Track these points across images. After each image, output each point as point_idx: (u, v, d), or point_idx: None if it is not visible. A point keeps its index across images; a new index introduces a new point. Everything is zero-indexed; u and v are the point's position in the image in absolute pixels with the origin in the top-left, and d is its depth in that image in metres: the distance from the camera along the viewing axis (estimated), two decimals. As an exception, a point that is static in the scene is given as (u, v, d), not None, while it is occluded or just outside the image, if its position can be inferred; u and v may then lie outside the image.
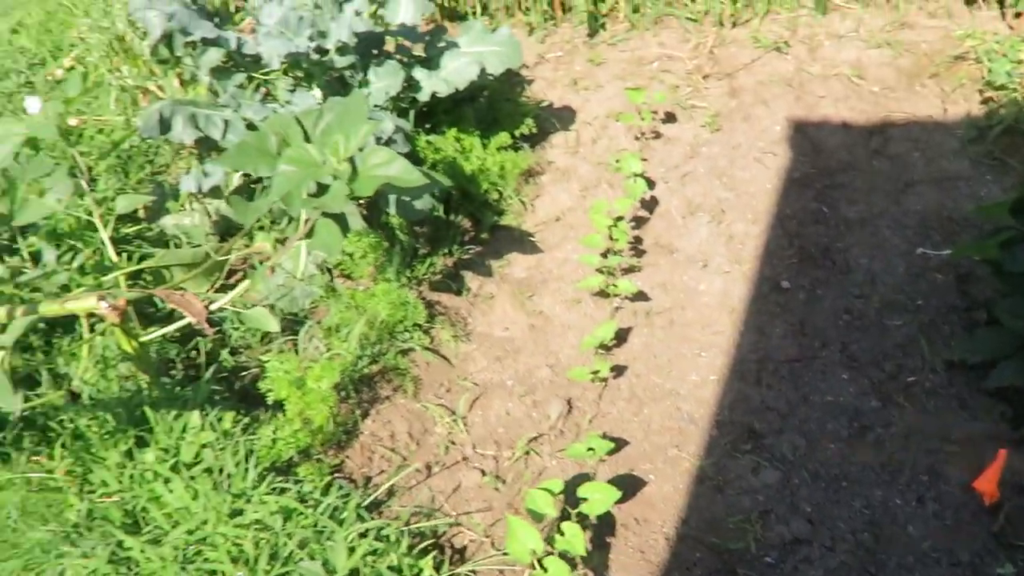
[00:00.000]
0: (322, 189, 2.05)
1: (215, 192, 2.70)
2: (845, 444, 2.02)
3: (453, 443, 2.14)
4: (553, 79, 3.47)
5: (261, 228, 2.56)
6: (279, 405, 2.09)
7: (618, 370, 2.27)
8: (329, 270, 2.61)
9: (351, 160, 2.01)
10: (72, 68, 3.70)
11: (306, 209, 1.98)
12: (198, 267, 2.45)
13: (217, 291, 2.48)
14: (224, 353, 2.34)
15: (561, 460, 2.07)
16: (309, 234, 2.07)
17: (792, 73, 3.21)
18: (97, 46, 3.02)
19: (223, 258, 2.38)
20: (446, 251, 2.64)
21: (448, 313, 2.50)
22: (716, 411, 2.15)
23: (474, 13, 3.78)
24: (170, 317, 2.41)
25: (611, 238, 2.54)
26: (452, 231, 2.70)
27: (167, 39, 2.49)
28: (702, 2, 3.63)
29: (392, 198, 2.34)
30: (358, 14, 2.39)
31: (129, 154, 3.04)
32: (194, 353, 2.35)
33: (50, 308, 2.14)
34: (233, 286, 2.64)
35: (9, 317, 2.16)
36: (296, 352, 2.32)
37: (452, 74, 2.62)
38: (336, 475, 2.01)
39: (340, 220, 2.04)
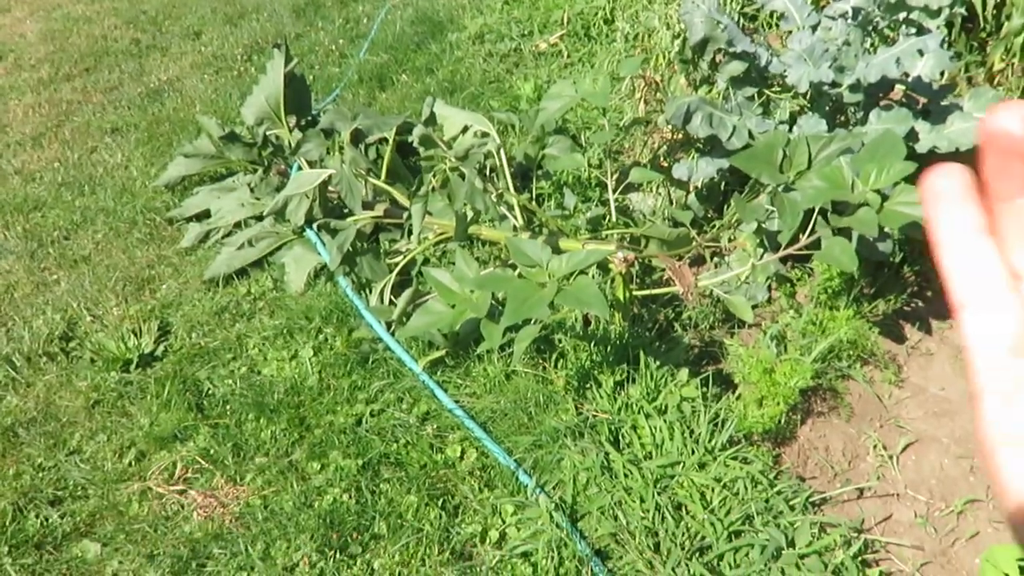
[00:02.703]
0: (838, 210, 2.24)
1: (681, 184, 3.01)
2: None
3: (884, 477, 2.23)
4: (1019, 160, 3.38)
5: (732, 226, 2.80)
6: (728, 384, 2.33)
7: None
8: (769, 280, 2.80)
9: (878, 192, 2.17)
10: (555, 45, 4.23)
11: (833, 224, 2.17)
12: (674, 244, 2.75)
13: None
14: (677, 325, 2.61)
15: (998, 530, 2.09)
16: (812, 246, 2.28)
17: None
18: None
19: (704, 243, 2.66)
20: (891, 298, 2.71)
21: (885, 356, 2.58)
22: None
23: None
24: (641, 280, 2.74)
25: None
26: (900, 280, 2.76)
27: (701, 44, 2.80)
28: None
29: (855, 234, 2.47)
30: (898, 62, 2.52)
31: (593, 128, 3.45)
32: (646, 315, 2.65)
33: (570, 244, 2.54)
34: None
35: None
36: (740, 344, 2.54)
37: (957, 134, 2.67)
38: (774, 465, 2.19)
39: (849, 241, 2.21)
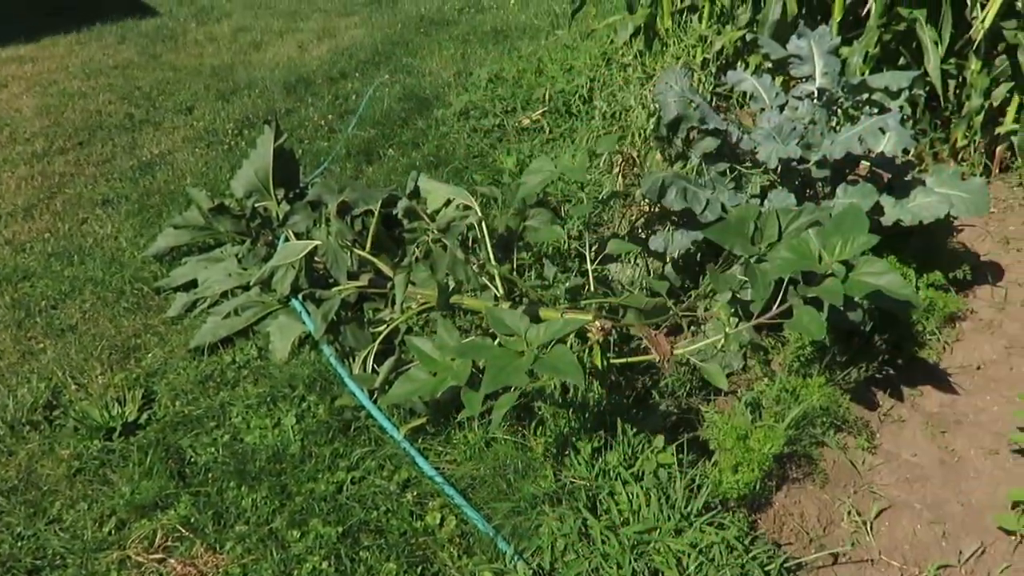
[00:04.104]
0: (807, 280, 2.33)
1: (658, 255, 3.09)
2: None
3: (858, 543, 2.26)
4: (983, 233, 3.50)
5: (707, 296, 2.89)
6: (704, 450, 2.37)
7: (1037, 532, 2.26)
8: (744, 348, 2.86)
9: (844, 263, 2.27)
10: (537, 121, 4.39)
11: (801, 294, 2.25)
12: (651, 314, 2.82)
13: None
14: (654, 393, 2.66)
15: (971, 596, 2.11)
16: (784, 315, 2.35)
17: None
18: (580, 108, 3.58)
19: (681, 313, 2.73)
20: (863, 366, 2.78)
21: (857, 423, 2.64)
22: None
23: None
24: (619, 348, 2.80)
25: (1046, 403, 2.54)
26: (871, 349, 2.84)
27: (675, 122, 2.93)
28: None
29: (827, 304, 2.55)
30: (861, 140, 2.66)
31: (573, 201, 3.56)
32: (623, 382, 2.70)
33: (550, 314, 2.61)
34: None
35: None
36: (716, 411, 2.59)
37: (919, 208, 2.79)
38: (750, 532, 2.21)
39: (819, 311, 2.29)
